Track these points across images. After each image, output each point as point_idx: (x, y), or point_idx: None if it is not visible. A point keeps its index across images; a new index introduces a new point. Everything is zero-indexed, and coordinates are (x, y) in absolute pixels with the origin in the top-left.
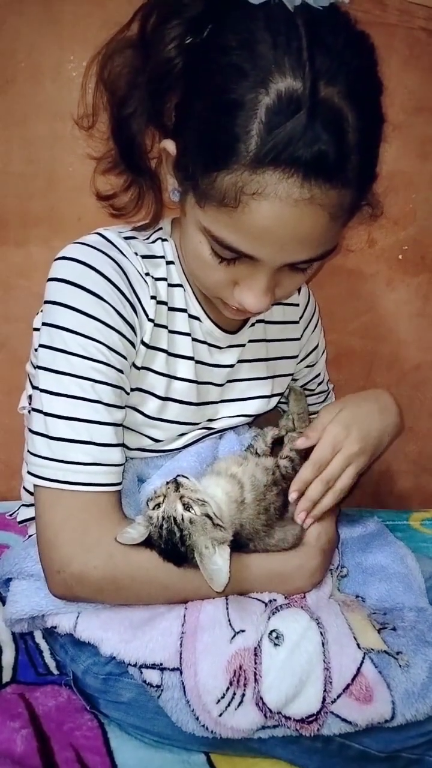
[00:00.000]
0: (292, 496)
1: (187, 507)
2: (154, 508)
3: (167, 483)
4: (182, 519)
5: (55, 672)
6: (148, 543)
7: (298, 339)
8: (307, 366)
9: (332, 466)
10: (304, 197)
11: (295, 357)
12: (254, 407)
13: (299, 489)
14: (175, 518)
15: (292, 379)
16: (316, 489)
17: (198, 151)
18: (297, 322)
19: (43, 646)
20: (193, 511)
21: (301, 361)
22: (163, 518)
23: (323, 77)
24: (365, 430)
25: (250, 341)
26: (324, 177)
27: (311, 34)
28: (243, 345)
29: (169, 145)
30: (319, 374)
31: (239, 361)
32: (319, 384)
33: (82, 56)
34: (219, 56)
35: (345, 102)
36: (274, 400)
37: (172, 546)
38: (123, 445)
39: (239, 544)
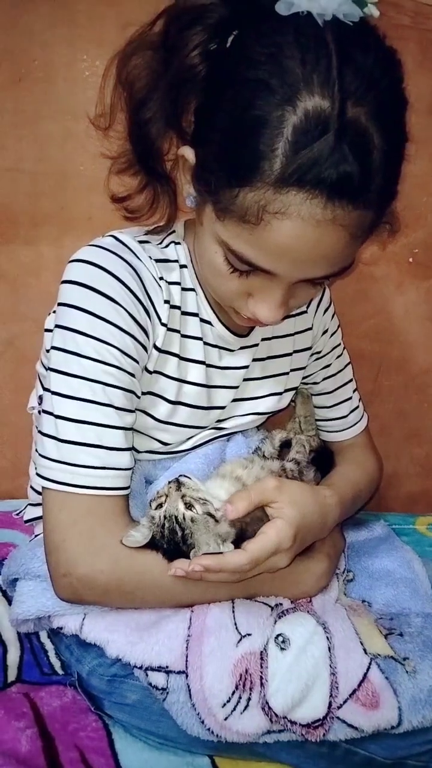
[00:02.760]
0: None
1: (188, 506)
2: (156, 508)
3: (169, 483)
4: (184, 518)
5: (60, 672)
6: (153, 545)
7: (310, 329)
8: (315, 354)
9: (252, 572)
10: (326, 218)
11: (309, 349)
12: (266, 405)
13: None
14: (176, 517)
15: (313, 383)
16: (219, 577)
17: (220, 166)
18: (306, 312)
19: (48, 645)
20: (194, 510)
21: (313, 354)
22: (165, 518)
23: (351, 97)
24: (303, 546)
25: (263, 339)
26: (348, 199)
27: (341, 51)
28: (256, 345)
29: (188, 153)
30: (330, 365)
31: (253, 360)
32: (337, 385)
33: (95, 55)
34: (245, 69)
35: (372, 123)
36: (287, 397)
37: (175, 545)
38: (132, 448)
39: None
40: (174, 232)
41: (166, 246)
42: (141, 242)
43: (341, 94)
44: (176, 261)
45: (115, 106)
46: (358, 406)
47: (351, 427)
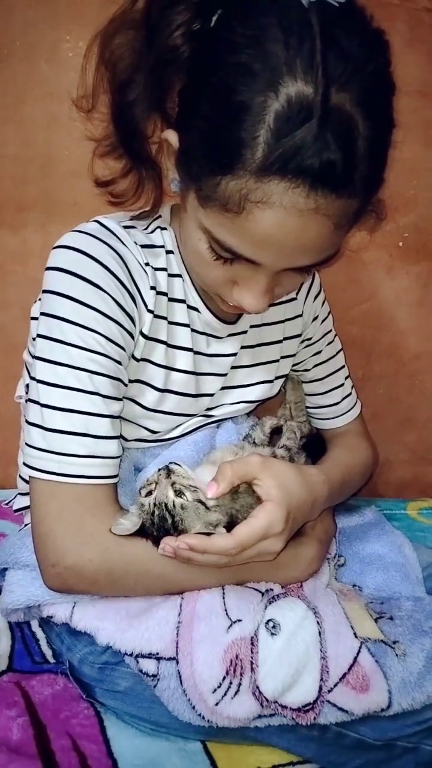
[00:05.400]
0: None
1: (178, 493)
2: (146, 496)
3: (159, 470)
4: (173, 505)
5: (51, 660)
6: (142, 533)
7: (300, 316)
8: (306, 341)
9: (243, 555)
10: (309, 207)
11: (299, 336)
12: (256, 393)
13: (204, 550)
14: (166, 504)
15: (304, 369)
16: (206, 559)
17: (202, 153)
18: (296, 299)
19: (39, 634)
20: (184, 497)
21: (303, 341)
22: (155, 505)
23: (335, 83)
24: (296, 527)
25: (252, 327)
26: (330, 187)
27: (325, 34)
28: (245, 332)
29: (171, 137)
30: (320, 352)
31: (242, 348)
32: (328, 371)
33: (78, 36)
34: (228, 53)
35: (356, 109)
36: (277, 384)
37: (165, 532)
38: (120, 436)
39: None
40: (160, 217)
41: (152, 231)
42: (126, 227)
43: (325, 79)
44: (162, 246)
45: (98, 88)
46: (350, 393)
47: (344, 414)
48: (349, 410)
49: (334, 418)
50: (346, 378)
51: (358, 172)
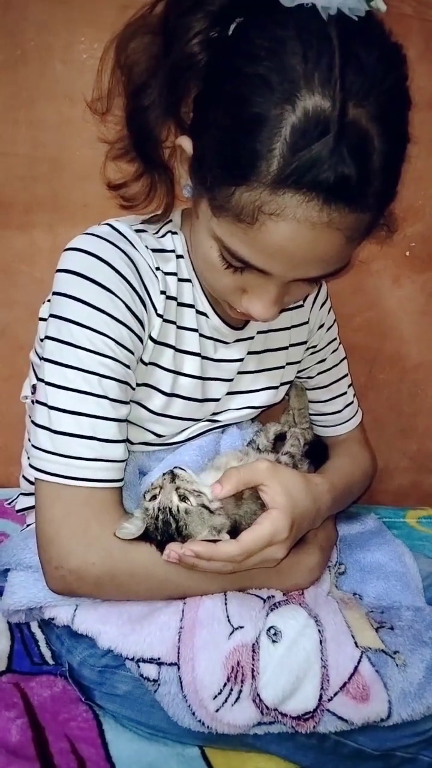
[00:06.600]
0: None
1: (183, 498)
2: (150, 500)
3: (163, 474)
4: (178, 510)
5: (51, 662)
6: (146, 537)
7: (306, 323)
8: (311, 348)
9: (247, 562)
10: (322, 221)
11: (304, 343)
12: (261, 399)
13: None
14: (170, 509)
15: (308, 377)
16: (211, 566)
17: (216, 163)
18: (303, 306)
19: (39, 635)
20: (188, 502)
21: (308, 348)
22: (159, 509)
23: (353, 97)
24: (299, 535)
25: (259, 333)
26: (345, 202)
27: (344, 48)
28: (252, 338)
29: (185, 143)
30: (325, 360)
31: (248, 353)
32: (332, 379)
33: (93, 38)
34: (245, 64)
35: (372, 125)
36: (282, 390)
37: (168, 537)
38: (127, 440)
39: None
40: (171, 221)
41: (163, 236)
42: (137, 231)
43: (342, 94)
44: (173, 251)
45: (113, 91)
46: (352, 401)
47: (346, 422)
48: (351, 418)
49: (335, 425)
50: (348, 386)
51: (372, 187)
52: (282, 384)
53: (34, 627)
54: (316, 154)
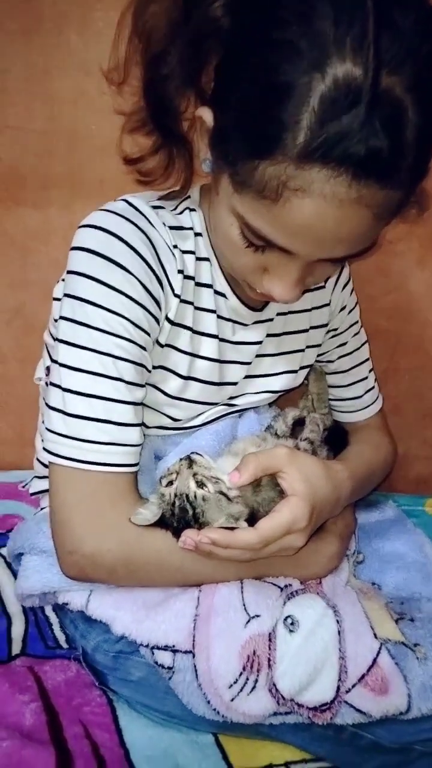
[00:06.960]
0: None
1: (200, 484)
2: (166, 486)
3: (180, 460)
4: (195, 496)
5: (65, 646)
6: (162, 523)
7: (327, 305)
8: (332, 331)
9: (265, 550)
10: (351, 197)
11: (325, 325)
12: (280, 383)
13: (227, 545)
14: (187, 495)
15: (328, 360)
16: (228, 554)
17: (239, 135)
18: (324, 287)
19: (53, 619)
20: (206, 489)
21: (329, 331)
22: (176, 495)
23: (387, 65)
24: (319, 523)
25: (278, 314)
26: (375, 177)
27: (378, 11)
28: (271, 319)
29: (206, 115)
30: (346, 343)
31: (267, 336)
32: (353, 364)
33: (110, 6)
34: (272, 29)
35: (407, 95)
36: (302, 374)
37: (185, 524)
38: (142, 424)
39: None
40: (189, 197)
41: (181, 212)
42: (154, 207)
43: (376, 61)
44: (191, 228)
45: (130, 60)
46: (373, 387)
47: (366, 408)
48: (371, 404)
49: (355, 411)
50: (369, 371)
51: (405, 162)
52: (302, 368)
53: (48, 610)
54: (346, 125)
